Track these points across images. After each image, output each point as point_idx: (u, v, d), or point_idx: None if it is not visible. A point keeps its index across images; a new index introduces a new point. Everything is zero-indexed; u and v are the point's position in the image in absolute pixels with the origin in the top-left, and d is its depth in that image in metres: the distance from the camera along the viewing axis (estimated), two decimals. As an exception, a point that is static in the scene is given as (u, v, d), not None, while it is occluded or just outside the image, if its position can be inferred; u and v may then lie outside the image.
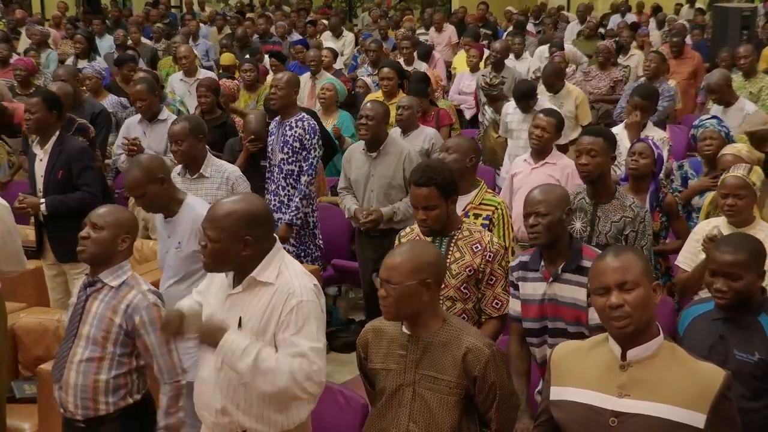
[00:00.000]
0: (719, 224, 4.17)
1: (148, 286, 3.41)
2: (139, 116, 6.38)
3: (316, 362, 2.93)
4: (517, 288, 3.68)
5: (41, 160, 5.36)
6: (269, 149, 5.90)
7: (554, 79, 7.85)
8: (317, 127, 5.88)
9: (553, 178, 5.20)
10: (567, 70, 9.34)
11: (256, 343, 2.93)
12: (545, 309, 3.59)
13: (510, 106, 7.06)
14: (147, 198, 4.14)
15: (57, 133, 5.34)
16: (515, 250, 4.97)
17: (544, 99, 7.84)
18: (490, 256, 3.65)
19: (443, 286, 3.57)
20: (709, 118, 5.69)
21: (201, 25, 13.86)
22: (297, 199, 5.72)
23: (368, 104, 5.52)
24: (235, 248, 2.94)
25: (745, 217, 4.13)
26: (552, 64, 8.65)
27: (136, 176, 4.10)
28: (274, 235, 3.11)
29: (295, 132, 5.73)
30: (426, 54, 10.44)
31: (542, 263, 3.60)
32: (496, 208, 4.32)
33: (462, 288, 3.67)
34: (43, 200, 5.30)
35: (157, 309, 3.31)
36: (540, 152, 5.50)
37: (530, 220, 3.54)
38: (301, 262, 5.14)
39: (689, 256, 4.28)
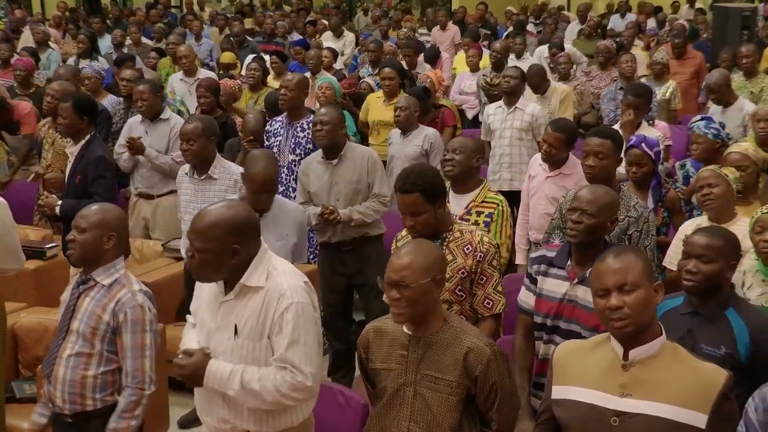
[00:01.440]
0: (702, 223, 4.23)
1: (140, 286, 3.39)
2: (140, 116, 6.37)
3: (301, 371, 2.91)
4: (534, 282, 3.60)
5: (70, 162, 5.41)
6: (275, 150, 5.82)
7: (538, 80, 7.78)
8: None
9: (566, 189, 4.92)
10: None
11: (238, 366, 2.94)
12: (563, 309, 3.50)
13: (491, 107, 6.98)
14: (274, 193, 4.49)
15: (87, 137, 5.35)
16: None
17: (532, 101, 7.78)
18: (480, 256, 3.61)
19: None
20: (698, 120, 5.68)
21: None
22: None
23: (322, 109, 5.19)
24: (223, 258, 2.90)
25: (724, 211, 4.24)
26: (535, 65, 8.46)
27: (276, 171, 4.51)
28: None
29: (309, 134, 5.68)
30: (434, 57, 10.39)
31: (569, 263, 3.52)
32: (498, 205, 4.31)
33: (457, 290, 3.64)
34: (59, 202, 5.31)
35: (142, 310, 3.29)
36: (552, 162, 5.26)
37: (575, 216, 3.46)
38: (309, 262, 5.13)
39: (675, 257, 4.29)
